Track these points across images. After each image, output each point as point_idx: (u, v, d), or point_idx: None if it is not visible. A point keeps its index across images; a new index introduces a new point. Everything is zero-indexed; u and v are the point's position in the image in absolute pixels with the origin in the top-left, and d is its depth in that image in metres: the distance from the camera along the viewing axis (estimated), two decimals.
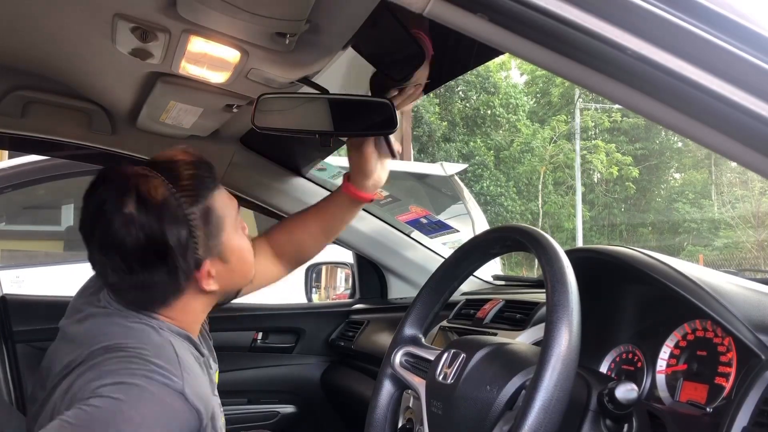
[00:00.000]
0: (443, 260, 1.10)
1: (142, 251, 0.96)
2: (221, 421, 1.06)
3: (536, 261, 0.86)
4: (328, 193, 1.89)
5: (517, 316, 1.38)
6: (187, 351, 1.02)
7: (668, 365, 1.02)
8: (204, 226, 1.00)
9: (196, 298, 1.05)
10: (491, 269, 2.13)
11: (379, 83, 1.20)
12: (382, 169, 1.28)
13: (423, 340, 1.07)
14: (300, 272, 2.59)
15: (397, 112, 1.18)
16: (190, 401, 0.93)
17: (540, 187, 21.96)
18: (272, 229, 1.38)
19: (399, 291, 2.13)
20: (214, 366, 1.18)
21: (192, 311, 1.06)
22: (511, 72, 23.47)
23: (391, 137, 1.24)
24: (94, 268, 1.02)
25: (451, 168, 4.83)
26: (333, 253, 2.77)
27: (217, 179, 1.05)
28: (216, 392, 1.11)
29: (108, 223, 0.95)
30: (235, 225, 1.07)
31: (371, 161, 1.25)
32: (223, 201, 1.04)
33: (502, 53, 0.99)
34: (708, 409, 0.90)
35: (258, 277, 1.28)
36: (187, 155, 1.04)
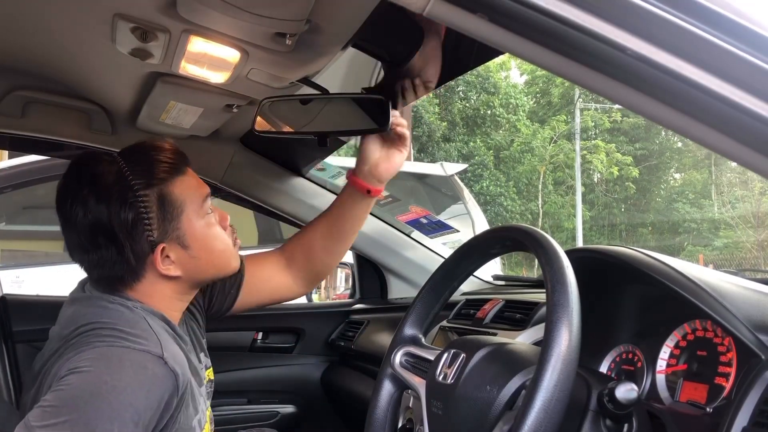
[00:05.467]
0: (443, 260, 1.10)
1: (91, 231, 1.02)
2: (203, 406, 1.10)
3: (536, 261, 0.86)
4: (328, 193, 1.90)
5: (517, 316, 1.38)
6: (161, 327, 1.04)
7: (668, 365, 1.02)
8: (159, 209, 1.03)
9: (159, 282, 1.06)
10: (491, 269, 2.12)
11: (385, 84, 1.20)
12: (386, 160, 1.24)
13: (423, 340, 1.07)
14: None
15: (398, 111, 1.18)
16: (169, 364, 0.96)
17: (540, 187, 21.96)
18: (287, 240, 1.37)
19: (399, 291, 2.13)
20: (204, 360, 1.20)
21: (160, 295, 1.07)
22: (511, 72, 23.48)
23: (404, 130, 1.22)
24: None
25: (451, 168, 4.83)
26: None
27: (182, 166, 1.07)
28: (202, 387, 1.13)
29: (66, 204, 1.03)
30: (199, 212, 1.07)
31: (374, 151, 1.23)
32: (185, 187, 1.06)
33: (502, 53, 0.99)
34: (708, 409, 0.90)
35: (273, 291, 1.33)
36: (161, 142, 1.08)
